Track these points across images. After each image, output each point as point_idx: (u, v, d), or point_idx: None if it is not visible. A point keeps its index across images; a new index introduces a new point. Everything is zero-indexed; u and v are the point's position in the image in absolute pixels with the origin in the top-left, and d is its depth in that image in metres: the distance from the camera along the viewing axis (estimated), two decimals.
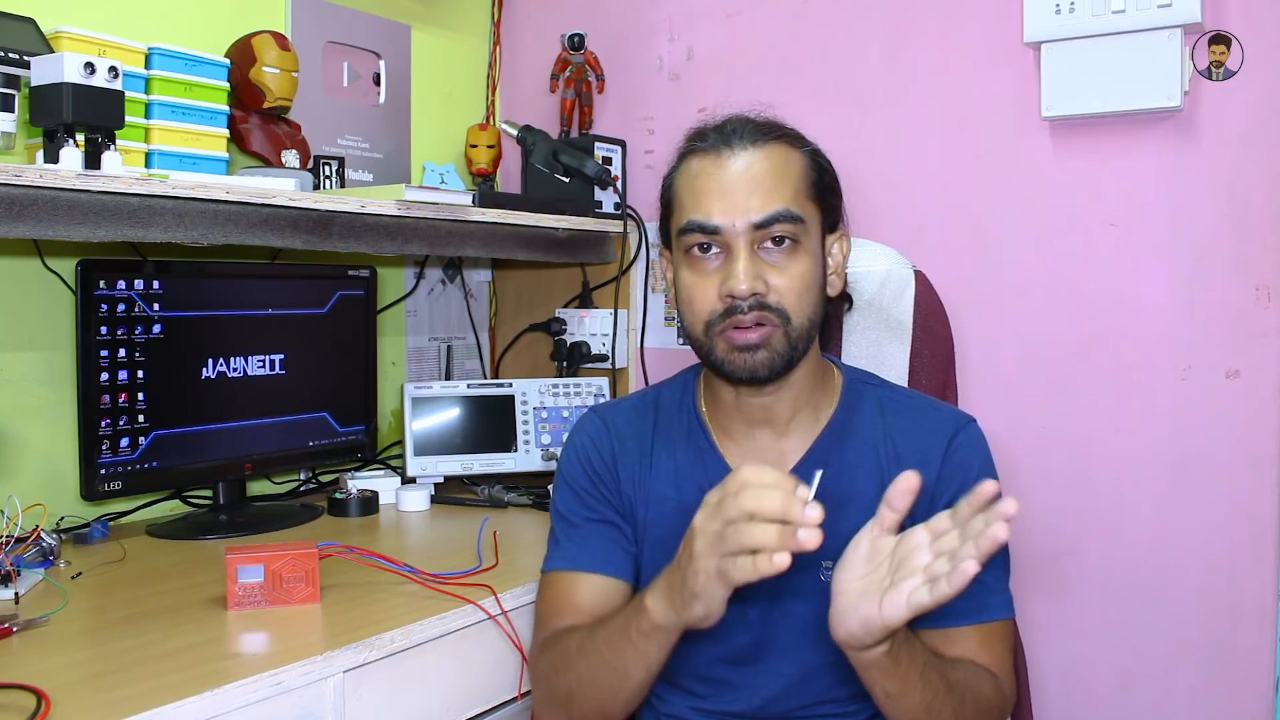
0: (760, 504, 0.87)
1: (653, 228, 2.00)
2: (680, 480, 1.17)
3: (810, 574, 1.11)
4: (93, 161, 1.27)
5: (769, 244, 1.08)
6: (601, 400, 1.93)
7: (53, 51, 1.30)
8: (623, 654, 1.03)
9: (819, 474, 0.90)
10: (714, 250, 1.09)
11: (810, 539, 0.85)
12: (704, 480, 1.14)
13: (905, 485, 0.91)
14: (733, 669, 1.15)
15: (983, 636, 1.11)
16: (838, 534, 1.10)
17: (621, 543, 1.19)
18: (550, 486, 1.74)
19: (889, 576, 0.92)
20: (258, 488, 1.85)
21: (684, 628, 0.98)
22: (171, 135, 1.50)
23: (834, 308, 1.36)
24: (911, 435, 1.16)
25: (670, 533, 1.10)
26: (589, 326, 2.04)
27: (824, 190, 1.14)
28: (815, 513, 0.85)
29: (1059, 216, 1.72)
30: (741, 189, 1.08)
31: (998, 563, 1.14)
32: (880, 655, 0.95)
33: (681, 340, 2.01)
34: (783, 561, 0.85)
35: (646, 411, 1.24)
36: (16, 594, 1.22)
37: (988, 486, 0.87)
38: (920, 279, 1.46)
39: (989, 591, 1.11)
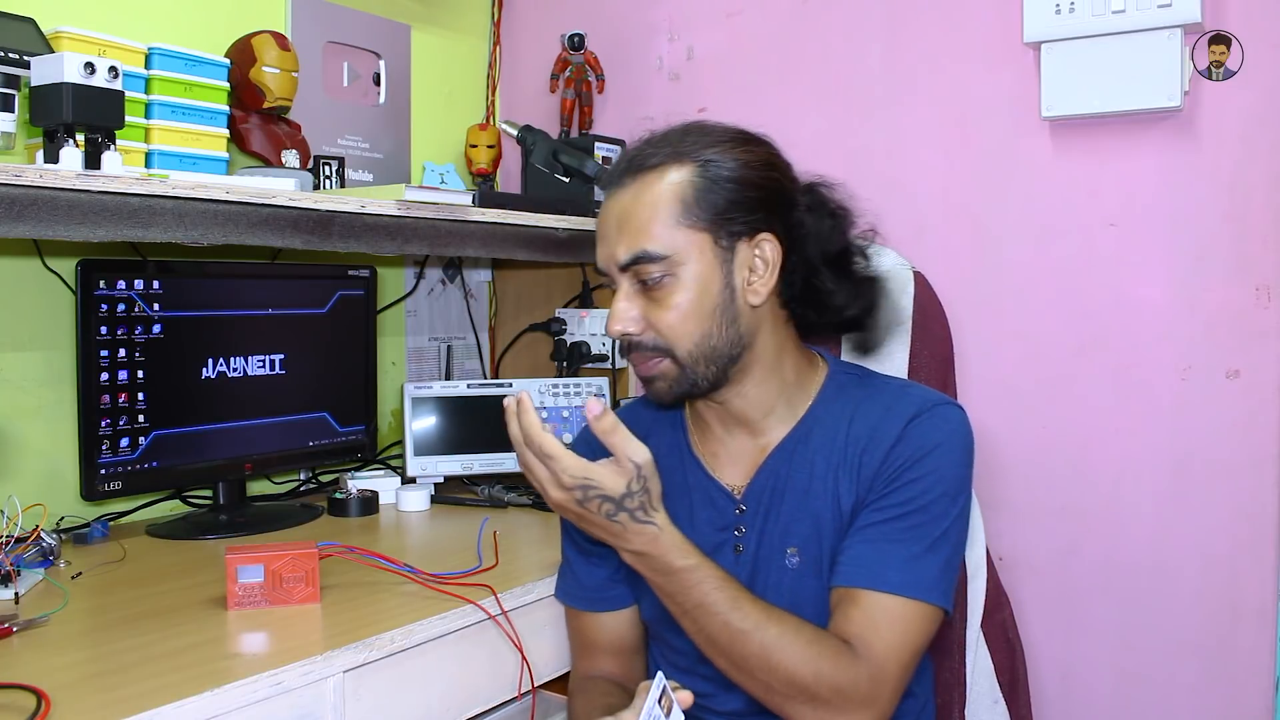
0: None
1: None
2: (667, 487, 1.17)
3: (776, 563, 1.12)
4: (93, 161, 1.27)
5: (642, 282, 1.10)
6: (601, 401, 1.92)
7: (53, 51, 1.30)
8: None
9: None
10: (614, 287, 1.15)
11: None
12: (681, 480, 1.19)
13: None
14: None
15: (870, 609, 1.02)
16: (801, 520, 1.12)
17: (607, 570, 1.22)
18: None
19: None
20: (258, 488, 1.85)
21: None
22: (171, 135, 1.50)
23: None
24: (875, 418, 1.12)
25: None
26: (589, 326, 2.04)
27: (721, 203, 1.08)
28: None
29: (1059, 216, 1.72)
30: (612, 232, 1.11)
31: (918, 537, 1.05)
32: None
33: None
34: None
35: (636, 424, 1.23)
36: (16, 594, 1.22)
37: None
38: (919, 280, 1.45)
39: (888, 563, 1.03)
